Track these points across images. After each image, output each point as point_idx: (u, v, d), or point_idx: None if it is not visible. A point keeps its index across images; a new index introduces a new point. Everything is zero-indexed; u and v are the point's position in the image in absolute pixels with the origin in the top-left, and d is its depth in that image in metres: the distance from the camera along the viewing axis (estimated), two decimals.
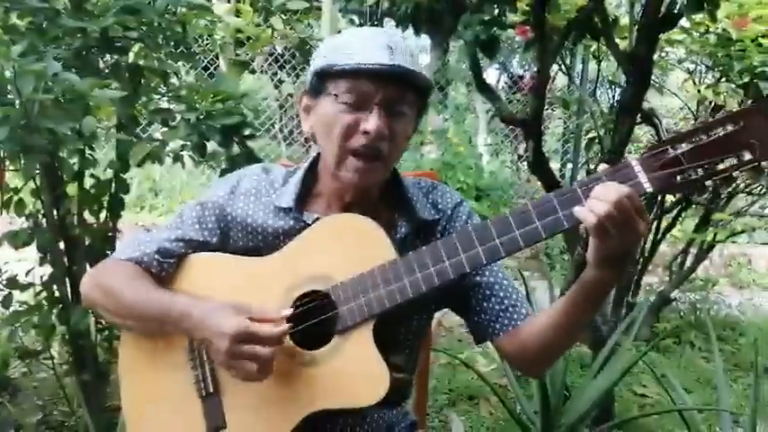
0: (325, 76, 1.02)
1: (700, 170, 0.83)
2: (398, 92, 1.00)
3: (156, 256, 1.11)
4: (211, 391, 1.06)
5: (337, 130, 1.01)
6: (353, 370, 0.97)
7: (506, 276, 1.13)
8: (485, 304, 1.10)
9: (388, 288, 0.96)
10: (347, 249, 1.01)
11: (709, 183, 0.83)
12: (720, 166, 0.82)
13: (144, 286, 1.09)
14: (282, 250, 1.07)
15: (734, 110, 0.84)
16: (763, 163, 0.80)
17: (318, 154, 1.13)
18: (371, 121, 0.98)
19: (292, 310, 1.00)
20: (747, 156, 0.81)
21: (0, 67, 1.36)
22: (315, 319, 1.01)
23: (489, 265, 0.97)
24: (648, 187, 0.85)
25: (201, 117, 1.60)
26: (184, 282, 1.12)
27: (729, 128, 0.81)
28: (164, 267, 1.12)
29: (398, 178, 1.13)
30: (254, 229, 1.11)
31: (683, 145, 0.83)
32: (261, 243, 1.11)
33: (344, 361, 0.98)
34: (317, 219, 1.07)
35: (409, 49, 1.03)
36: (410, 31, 2.74)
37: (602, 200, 0.83)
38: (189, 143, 1.69)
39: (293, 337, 1.01)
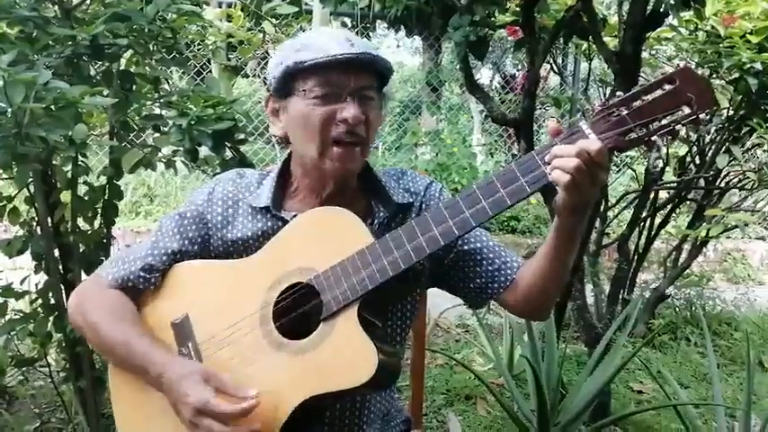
0: (293, 76, 1.05)
1: (645, 128, 0.89)
2: (367, 79, 1.06)
3: (141, 273, 1.13)
4: None
5: (314, 123, 1.04)
6: (341, 352, 0.98)
7: (489, 237, 1.19)
8: (478, 269, 1.15)
9: (368, 270, 0.98)
10: (325, 240, 1.03)
11: (655, 138, 0.89)
12: (664, 122, 0.88)
13: (125, 330, 1.09)
14: (262, 250, 1.08)
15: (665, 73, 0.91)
16: (701, 115, 0.87)
17: (290, 154, 1.17)
18: (349, 110, 1.03)
19: (255, 393, 0.95)
20: (686, 110, 0.87)
21: None
22: (300, 310, 1.03)
23: (462, 236, 1.01)
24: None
25: (193, 122, 1.60)
26: (168, 293, 1.14)
27: (667, 87, 0.88)
28: (150, 282, 1.14)
29: (369, 168, 1.17)
30: (233, 234, 1.13)
31: (628, 106, 0.89)
32: (241, 246, 1.12)
33: (332, 345, 0.99)
34: (295, 216, 1.09)
35: (364, 41, 1.10)
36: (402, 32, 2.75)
37: (566, 156, 0.89)
38: (181, 149, 1.69)
39: (281, 329, 1.02)
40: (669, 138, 0.89)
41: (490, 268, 1.15)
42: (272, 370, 1.01)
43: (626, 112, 0.89)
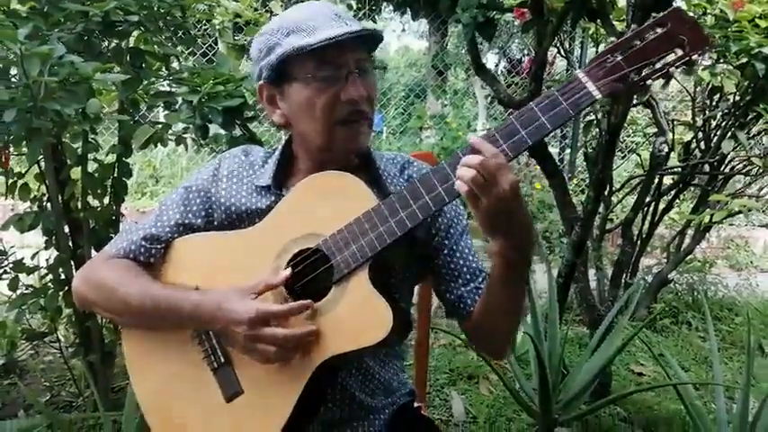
0: (288, 62, 1.03)
1: (640, 72, 0.90)
2: (362, 53, 1.06)
3: (143, 243, 1.13)
4: (222, 361, 1.08)
5: (320, 107, 1.04)
6: (357, 312, 1.00)
7: (476, 259, 1.17)
8: (452, 284, 1.15)
9: (377, 231, 1.00)
10: (329, 204, 1.04)
11: (650, 82, 0.90)
12: (658, 65, 0.89)
13: (138, 281, 1.10)
14: (267, 218, 1.09)
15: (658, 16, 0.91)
16: (694, 56, 0.88)
17: (290, 135, 1.16)
18: (353, 89, 1.03)
19: (290, 269, 1.03)
20: (680, 52, 0.88)
21: (5, 50, 1.37)
22: (311, 274, 1.04)
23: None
24: (598, 94, 0.91)
25: (204, 99, 1.61)
26: (174, 265, 1.13)
27: (659, 30, 0.89)
28: (151, 253, 1.13)
29: (369, 151, 1.17)
30: (238, 209, 1.14)
31: (622, 52, 0.90)
32: (245, 223, 1.13)
33: (347, 306, 1.01)
34: None
35: (344, 10, 1.09)
36: (408, 15, 2.74)
37: (467, 166, 0.90)
38: (191, 125, 1.70)
39: (294, 295, 1.04)
40: (664, 81, 0.90)
41: (462, 289, 1.14)
42: None
43: (620, 57, 0.90)
